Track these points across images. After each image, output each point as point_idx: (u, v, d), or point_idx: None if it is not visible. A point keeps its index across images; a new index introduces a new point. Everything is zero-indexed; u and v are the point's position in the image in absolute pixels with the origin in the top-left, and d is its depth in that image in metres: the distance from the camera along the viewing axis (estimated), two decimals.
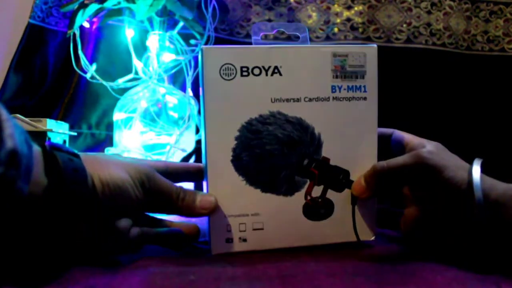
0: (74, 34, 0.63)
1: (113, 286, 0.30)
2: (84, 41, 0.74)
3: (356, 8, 0.79)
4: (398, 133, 0.43)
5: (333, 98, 0.40)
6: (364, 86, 0.40)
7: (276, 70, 0.38)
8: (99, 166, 0.34)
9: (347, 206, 0.41)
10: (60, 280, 0.30)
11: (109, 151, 0.62)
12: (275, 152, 0.38)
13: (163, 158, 0.59)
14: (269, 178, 0.39)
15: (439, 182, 0.36)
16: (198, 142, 0.63)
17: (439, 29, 0.80)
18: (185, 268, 0.34)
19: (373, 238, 0.41)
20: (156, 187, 0.37)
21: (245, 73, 0.38)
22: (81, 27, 0.64)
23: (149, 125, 0.61)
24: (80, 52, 0.63)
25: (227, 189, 0.39)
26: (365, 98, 0.40)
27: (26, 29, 0.75)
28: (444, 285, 0.30)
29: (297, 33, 0.43)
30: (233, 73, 0.38)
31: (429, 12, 0.80)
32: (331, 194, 0.40)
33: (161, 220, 0.41)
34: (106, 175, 0.33)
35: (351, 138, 0.40)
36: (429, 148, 0.38)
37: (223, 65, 0.38)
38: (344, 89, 0.40)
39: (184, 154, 0.60)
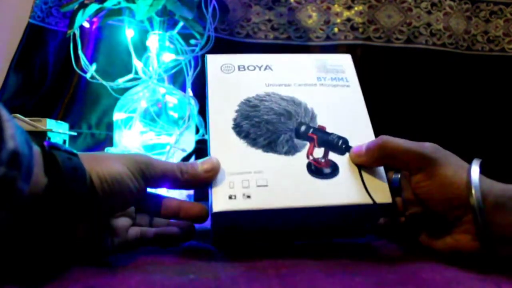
0: (74, 34, 0.63)
1: (113, 286, 0.30)
2: (84, 41, 0.74)
3: (356, 8, 0.79)
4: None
5: (320, 85, 0.44)
6: (346, 78, 0.45)
7: (268, 67, 0.45)
8: (96, 163, 0.34)
9: (354, 168, 0.39)
10: (60, 280, 0.30)
11: (109, 151, 0.62)
12: (273, 121, 0.41)
13: (163, 158, 0.59)
14: (269, 141, 0.40)
15: (438, 176, 0.36)
16: (198, 142, 0.63)
17: (439, 29, 0.80)
18: (185, 268, 0.34)
19: (390, 201, 0.38)
20: (157, 171, 0.37)
21: (242, 69, 0.44)
22: (81, 27, 0.64)
23: (149, 125, 0.61)
24: (80, 52, 0.63)
25: (229, 151, 0.39)
26: (348, 86, 0.45)
27: (26, 29, 0.75)
28: (443, 285, 0.30)
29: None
30: (231, 69, 0.44)
31: (429, 12, 0.81)
32: (334, 157, 0.40)
33: (159, 216, 0.41)
34: (104, 170, 0.34)
35: (342, 113, 0.42)
36: (432, 144, 0.38)
37: (223, 64, 0.45)
38: (328, 79, 0.45)
39: (184, 154, 0.60)
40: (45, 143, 0.32)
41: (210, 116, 0.41)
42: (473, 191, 0.34)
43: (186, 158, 0.61)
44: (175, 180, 0.38)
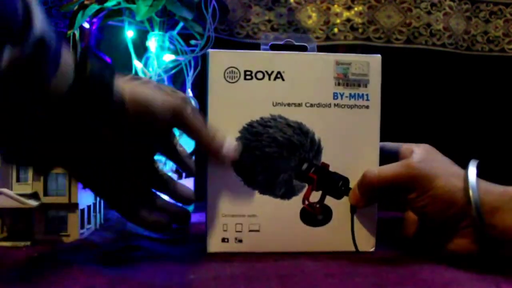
0: (74, 35, 0.63)
1: (113, 286, 0.30)
2: (84, 42, 0.73)
3: (356, 9, 0.79)
4: (388, 143, 0.43)
5: (335, 105, 0.40)
6: (367, 95, 0.40)
7: (279, 75, 0.39)
8: (133, 84, 0.34)
9: (346, 214, 0.40)
10: (60, 280, 0.30)
11: None
12: (274, 155, 0.39)
13: (163, 159, 0.59)
14: (267, 180, 0.39)
15: (431, 191, 0.35)
16: None
17: (439, 29, 0.80)
18: (184, 268, 0.34)
19: (372, 249, 0.40)
20: (186, 119, 0.36)
21: (248, 77, 0.39)
22: (81, 28, 0.64)
23: None
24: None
25: (225, 188, 0.39)
26: (367, 107, 0.40)
27: None
28: (443, 286, 0.30)
29: (306, 44, 0.42)
30: (236, 76, 0.39)
31: (429, 13, 0.81)
32: (330, 201, 0.40)
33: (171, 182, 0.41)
34: (139, 91, 0.34)
35: (352, 145, 0.40)
36: (419, 155, 0.38)
37: (227, 68, 0.39)
38: (346, 96, 0.40)
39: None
40: (82, 45, 0.33)
41: None
42: (471, 196, 0.34)
43: None
44: (198, 136, 0.37)
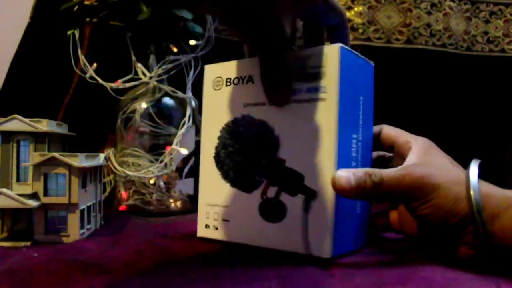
0: (74, 34, 0.63)
1: (113, 286, 0.30)
2: (84, 41, 0.73)
3: (356, 9, 0.80)
4: (386, 130, 0.43)
5: (294, 101, 0.39)
6: (323, 87, 0.38)
7: (250, 79, 0.42)
8: None
9: (301, 213, 0.38)
10: (60, 280, 0.30)
11: (107, 152, 0.62)
12: (241, 151, 0.41)
13: (164, 159, 0.59)
14: (235, 175, 0.42)
15: (433, 200, 0.35)
16: (198, 143, 0.63)
17: (439, 29, 0.80)
18: (185, 268, 0.34)
19: (328, 256, 0.36)
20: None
21: (228, 83, 0.44)
22: (81, 27, 0.64)
23: (149, 125, 0.61)
24: (79, 52, 0.63)
25: (210, 181, 0.44)
26: (323, 99, 0.37)
27: (26, 29, 0.75)
28: (443, 285, 0.30)
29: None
30: (220, 84, 0.45)
31: (429, 13, 0.81)
32: (288, 198, 0.39)
33: None
34: None
35: (308, 140, 0.38)
36: (418, 158, 0.37)
37: (215, 78, 0.45)
38: (304, 91, 0.39)
39: (184, 154, 0.60)
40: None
41: (202, 140, 0.45)
42: (474, 206, 0.33)
43: (186, 159, 0.61)
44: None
